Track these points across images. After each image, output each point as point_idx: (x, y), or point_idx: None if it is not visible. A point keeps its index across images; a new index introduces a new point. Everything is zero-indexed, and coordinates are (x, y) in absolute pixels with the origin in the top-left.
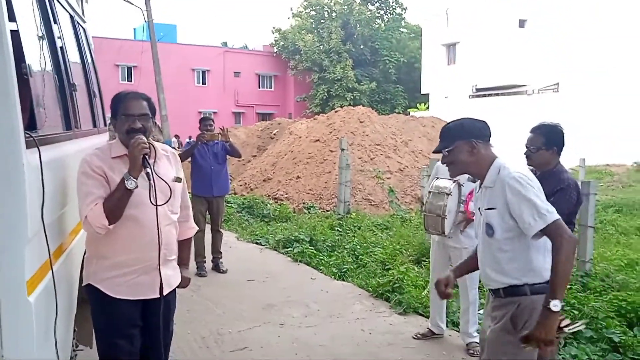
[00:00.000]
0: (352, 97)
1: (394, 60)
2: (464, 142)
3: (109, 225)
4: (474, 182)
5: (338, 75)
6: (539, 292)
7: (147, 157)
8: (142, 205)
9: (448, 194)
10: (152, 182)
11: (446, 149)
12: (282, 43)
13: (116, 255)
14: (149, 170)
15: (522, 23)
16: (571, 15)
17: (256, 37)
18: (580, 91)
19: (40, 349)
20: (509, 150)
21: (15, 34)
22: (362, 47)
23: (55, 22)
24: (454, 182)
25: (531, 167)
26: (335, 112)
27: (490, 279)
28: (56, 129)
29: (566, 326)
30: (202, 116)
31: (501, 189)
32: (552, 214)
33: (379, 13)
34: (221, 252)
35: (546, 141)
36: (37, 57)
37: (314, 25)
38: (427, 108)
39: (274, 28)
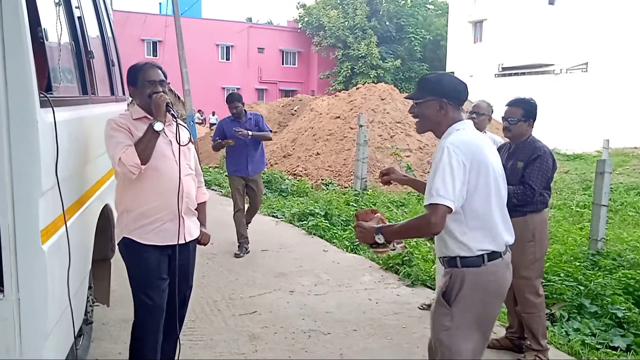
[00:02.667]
0: (376, 75)
1: (419, 37)
2: (434, 99)
3: (141, 164)
4: None
5: (362, 52)
6: (468, 265)
7: (168, 105)
8: (164, 158)
9: None
10: (176, 122)
11: (416, 100)
12: (306, 19)
13: (142, 205)
14: (172, 112)
15: (551, 0)
16: None
17: (281, 13)
18: (609, 71)
19: (53, 295)
20: (535, 130)
21: (31, 1)
22: (387, 23)
23: None
24: None
25: (507, 139)
26: (357, 89)
27: (435, 246)
28: (72, 92)
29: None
30: (227, 93)
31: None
32: (439, 198)
33: None
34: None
35: (525, 113)
36: (53, 23)
37: (339, 1)
38: None
39: (298, 3)
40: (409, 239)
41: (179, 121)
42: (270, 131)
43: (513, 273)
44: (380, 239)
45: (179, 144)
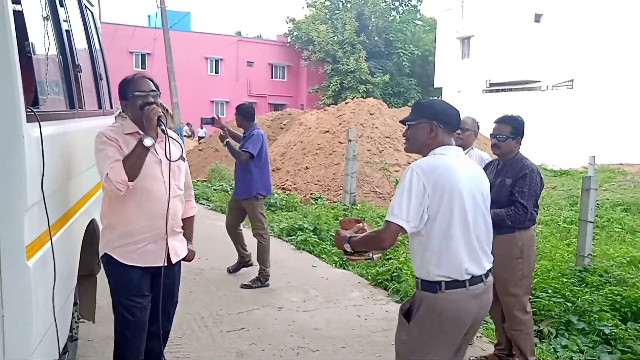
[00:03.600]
0: (365, 90)
1: (408, 53)
2: (426, 122)
3: (129, 181)
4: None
5: (351, 66)
6: (425, 289)
7: (160, 119)
8: (153, 178)
9: None
10: (166, 139)
11: (409, 122)
12: (295, 33)
13: (127, 224)
14: (163, 127)
15: (538, 17)
16: (588, 10)
17: (270, 27)
18: (595, 88)
19: (37, 312)
20: (524, 145)
21: (19, 15)
22: (376, 38)
23: (61, 5)
24: None
25: (495, 156)
26: (346, 103)
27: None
28: (59, 106)
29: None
30: (215, 106)
31: None
32: (392, 217)
33: (394, 5)
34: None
35: (513, 130)
36: (41, 37)
37: (328, 16)
38: None
39: (288, 18)
40: (368, 250)
41: (172, 135)
42: (248, 153)
43: (501, 290)
44: (347, 247)
45: (168, 160)
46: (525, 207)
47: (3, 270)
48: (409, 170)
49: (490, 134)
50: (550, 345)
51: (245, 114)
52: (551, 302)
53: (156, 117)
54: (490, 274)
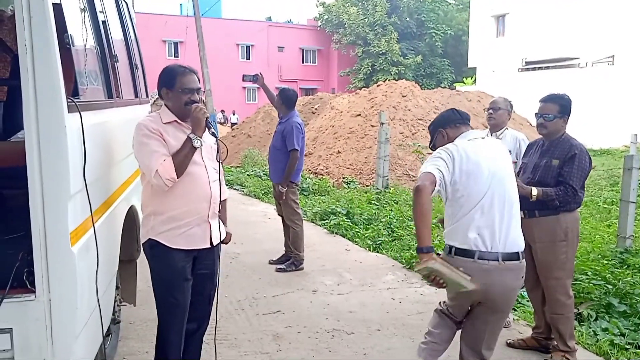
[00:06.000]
0: (396, 72)
1: (440, 33)
2: (437, 132)
3: (177, 178)
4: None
5: (383, 49)
6: (445, 252)
7: (208, 119)
8: (194, 164)
9: None
10: (217, 140)
11: (431, 142)
12: (326, 17)
13: (172, 209)
14: (213, 130)
15: None
16: None
17: (301, 11)
18: (637, 64)
19: (82, 295)
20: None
21: (57, 7)
22: (407, 19)
23: None
24: None
25: (541, 135)
26: (377, 86)
27: None
28: (98, 96)
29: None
30: (247, 92)
31: None
32: (424, 168)
33: None
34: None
35: (560, 109)
36: (79, 29)
37: None
38: (474, 82)
39: (318, 1)
40: (417, 224)
41: (211, 125)
42: (296, 151)
43: (544, 273)
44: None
45: (218, 161)
46: (573, 188)
47: (49, 256)
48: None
49: (536, 113)
50: (590, 328)
51: (286, 99)
52: (591, 284)
53: (205, 118)
54: (517, 257)
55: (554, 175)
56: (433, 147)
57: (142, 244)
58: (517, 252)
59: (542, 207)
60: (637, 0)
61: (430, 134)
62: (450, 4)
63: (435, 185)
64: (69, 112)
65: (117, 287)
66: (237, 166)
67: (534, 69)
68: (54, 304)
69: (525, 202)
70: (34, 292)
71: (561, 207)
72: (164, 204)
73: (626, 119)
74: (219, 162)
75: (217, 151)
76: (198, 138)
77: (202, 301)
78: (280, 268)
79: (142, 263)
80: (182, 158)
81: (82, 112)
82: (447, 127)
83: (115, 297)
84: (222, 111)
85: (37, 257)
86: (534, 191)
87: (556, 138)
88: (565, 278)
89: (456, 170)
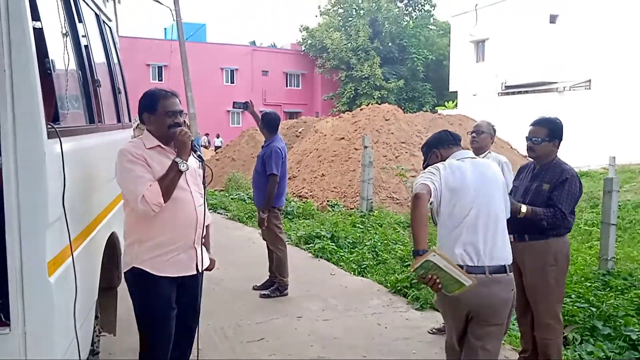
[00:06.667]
0: (379, 95)
1: (422, 57)
2: (431, 153)
3: (164, 203)
4: None
5: (365, 73)
6: None
7: (193, 143)
8: (179, 189)
9: None
10: (203, 164)
11: (424, 162)
12: (309, 41)
13: (158, 236)
14: (199, 153)
15: (553, 19)
16: (603, 9)
17: (284, 36)
18: (613, 88)
19: (60, 328)
20: None
21: (39, 32)
22: (389, 44)
23: (80, 21)
24: None
25: (531, 160)
26: (361, 110)
27: None
28: (79, 121)
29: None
30: (231, 115)
31: None
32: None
33: (407, 10)
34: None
35: (549, 133)
36: (60, 53)
37: (341, 23)
38: (455, 106)
39: (301, 26)
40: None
41: (197, 148)
42: (274, 175)
43: (533, 297)
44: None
45: (204, 185)
46: (563, 212)
47: (25, 286)
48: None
49: (526, 137)
50: (576, 351)
51: (268, 123)
52: (575, 307)
53: (190, 141)
54: (504, 270)
55: (544, 199)
56: (427, 167)
57: (125, 272)
58: (504, 265)
59: (532, 231)
60: (611, 26)
61: (423, 154)
62: (431, 29)
63: (431, 196)
64: (48, 138)
65: (96, 317)
66: (221, 190)
67: (513, 93)
68: (29, 338)
69: (515, 225)
70: (9, 325)
71: (550, 232)
72: (149, 230)
73: (604, 141)
74: (204, 185)
75: (203, 175)
76: (184, 162)
77: (184, 331)
78: (264, 294)
79: (123, 290)
80: (169, 183)
81: (62, 138)
82: (440, 147)
83: (95, 327)
84: (207, 134)
85: (12, 288)
86: (523, 208)
87: (547, 162)
88: (555, 302)
89: (442, 186)
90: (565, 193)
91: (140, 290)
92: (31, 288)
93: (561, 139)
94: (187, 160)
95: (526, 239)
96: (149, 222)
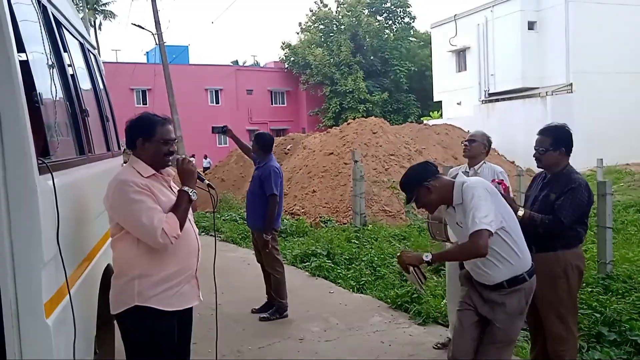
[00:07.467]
0: (364, 109)
1: (404, 69)
2: (419, 188)
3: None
4: None
5: (349, 87)
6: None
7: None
8: None
9: None
10: (212, 190)
11: (412, 199)
12: (292, 58)
13: (164, 269)
14: (207, 181)
15: (531, 25)
16: (581, 14)
17: (266, 53)
18: (595, 91)
19: None
20: (525, 153)
21: (24, 64)
22: (372, 58)
23: (65, 50)
24: None
25: (541, 169)
26: (348, 124)
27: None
28: (69, 154)
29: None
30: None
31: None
32: (482, 225)
33: (387, 23)
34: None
35: (553, 142)
36: (47, 85)
37: (323, 39)
38: (441, 115)
39: (283, 43)
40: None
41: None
42: (275, 196)
43: (545, 310)
44: (428, 257)
45: (213, 211)
46: (562, 222)
47: (22, 330)
48: (469, 189)
49: (534, 147)
50: (583, 358)
51: (262, 144)
52: (580, 314)
53: (196, 170)
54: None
55: (551, 209)
56: (416, 202)
57: (120, 312)
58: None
59: (539, 243)
60: (591, 30)
61: (407, 191)
62: (412, 41)
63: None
64: (40, 173)
65: (95, 353)
66: (212, 211)
67: (497, 100)
68: None
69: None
70: None
71: (557, 243)
72: (155, 264)
73: (588, 144)
74: (214, 211)
75: (213, 200)
76: (194, 190)
77: (182, 351)
78: (263, 317)
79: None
80: (183, 213)
81: (53, 173)
82: (430, 179)
83: None
84: (193, 156)
85: (8, 332)
86: (520, 212)
87: (558, 171)
88: (566, 314)
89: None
90: (568, 202)
91: (144, 329)
92: (28, 331)
93: (568, 146)
94: (195, 189)
95: (533, 250)
96: (154, 255)
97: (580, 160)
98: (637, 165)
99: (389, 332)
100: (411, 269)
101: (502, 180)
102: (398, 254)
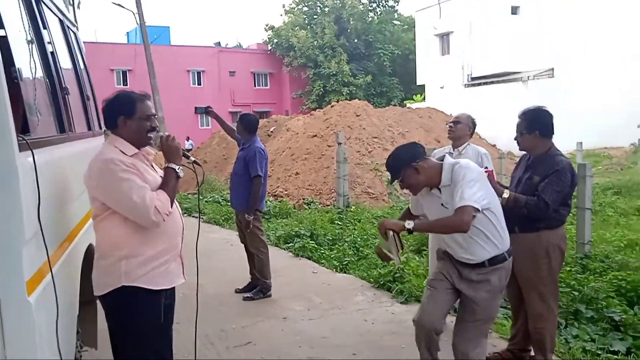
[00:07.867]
0: (348, 92)
1: (388, 52)
2: (407, 168)
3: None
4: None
5: (333, 70)
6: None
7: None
8: None
9: None
10: (198, 167)
11: (398, 179)
12: (275, 40)
13: (152, 248)
14: (192, 157)
15: (515, 10)
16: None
17: (250, 35)
18: (575, 76)
19: (42, 348)
20: (506, 137)
21: (3, 40)
22: (355, 41)
23: (44, 27)
24: None
25: (524, 152)
26: (332, 107)
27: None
28: (49, 131)
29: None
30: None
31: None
32: (469, 201)
33: (371, 6)
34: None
35: (527, 125)
36: (27, 61)
37: (306, 21)
38: (424, 99)
39: (267, 25)
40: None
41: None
42: (260, 177)
43: (526, 288)
44: (410, 225)
45: (198, 187)
46: (546, 203)
47: (4, 309)
48: (461, 168)
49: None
50: (561, 335)
51: (247, 125)
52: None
53: (180, 147)
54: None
55: (534, 191)
56: (402, 182)
57: (106, 294)
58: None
59: (522, 223)
60: (571, 16)
61: (394, 171)
62: (396, 24)
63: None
64: (20, 150)
65: (77, 332)
66: (194, 193)
67: (479, 84)
68: None
69: (505, 218)
70: None
71: (540, 224)
72: (143, 243)
73: (568, 127)
74: (199, 187)
75: (198, 177)
76: (179, 166)
77: (166, 332)
78: (247, 297)
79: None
80: (172, 190)
81: (34, 150)
82: (419, 160)
83: (76, 343)
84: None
85: None
86: (505, 194)
87: (542, 153)
88: (547, 293)
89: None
90: (552, 184)
91: (132, 309)
92: (10, 310)
93: (543, 129)
94: (181, 166)
95: (516, 231)
96: (142, 234)
97: (560, 144)
98: (614, 149)
99: (371, 310)
100: (391, 234)
101: (487, 167)
102: (380, 221)
